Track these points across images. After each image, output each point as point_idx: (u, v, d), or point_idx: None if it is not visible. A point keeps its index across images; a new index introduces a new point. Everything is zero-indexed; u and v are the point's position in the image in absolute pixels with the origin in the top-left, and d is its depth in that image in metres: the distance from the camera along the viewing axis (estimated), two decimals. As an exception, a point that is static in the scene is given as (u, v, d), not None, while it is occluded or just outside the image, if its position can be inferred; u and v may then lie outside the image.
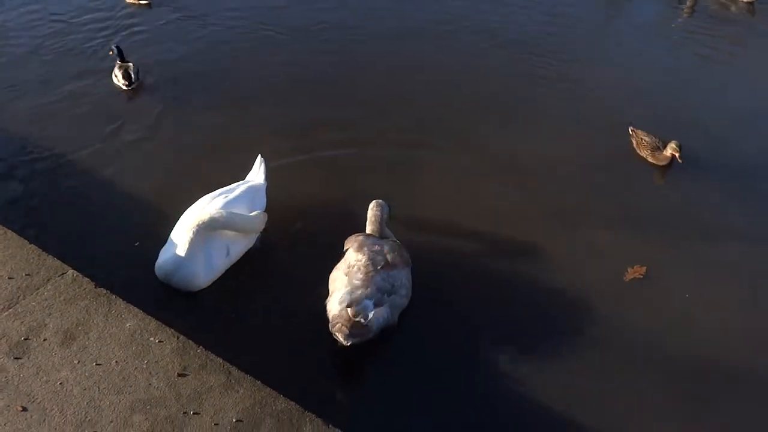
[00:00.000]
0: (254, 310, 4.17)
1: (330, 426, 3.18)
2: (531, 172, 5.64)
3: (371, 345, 3.94)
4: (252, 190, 4.58)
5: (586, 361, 4.07)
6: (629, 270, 4.73)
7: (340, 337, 3.68)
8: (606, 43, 8.12)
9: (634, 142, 5.96)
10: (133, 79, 6.50)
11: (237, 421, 3.15)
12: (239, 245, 4.35)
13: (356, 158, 5.72)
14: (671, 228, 5.18)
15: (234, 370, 3.38)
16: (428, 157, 5.76)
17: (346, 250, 4.20)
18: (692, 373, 4.04)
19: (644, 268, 4.74)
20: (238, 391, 3.29)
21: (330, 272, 4.16)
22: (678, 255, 4.93)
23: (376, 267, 3.90)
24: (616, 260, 4.80)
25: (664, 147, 5.69)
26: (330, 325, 3.76)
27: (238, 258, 4.39)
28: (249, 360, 3.56)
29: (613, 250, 4.90)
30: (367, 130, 6.07)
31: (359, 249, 4.04)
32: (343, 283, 3.86)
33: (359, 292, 3.75)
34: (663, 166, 5.78)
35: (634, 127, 6.01)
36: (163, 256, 4.18)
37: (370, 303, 3.72)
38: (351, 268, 3.92)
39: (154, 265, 4.21)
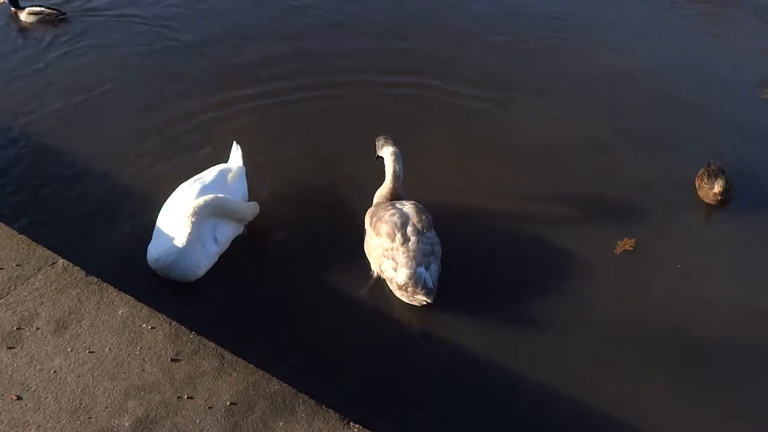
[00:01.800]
0: (245, 294, 4.19)
1: (323, 407, 3.21)
2: (523, 150, 5.66)
3: (363, 324, 4.02)
4: (225, 172, 4.54)
5: (581, 333, 4.13)
6: (619, 243, 4.77)
7: (420, 298, 3.99)
8: (608, 27, 8.07)
9: (699, 175, 5.20)
10: (61, 9, 6.56)
11: (231, 403, 3.18)
12: (226, 232, 4.33)
13: (342, 116, 5.83)
14: (657, 202, 5.21)
15: (227, 354, 3.41)
16: (428, 128, 5.81)
17: (373, 220, 4.32)
18: (685, 343, 4.10)
19: (633, 240, 4.78)
20: (231, 375, 3.32)
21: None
22: (665, 227, 4.97)
23: (413, 238, 4.12)
24: (606, 234, 4.85)
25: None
26: (399, 293, 4.08)
27: (228, 244, 4.39)
28: (241, 343, 3.60)
29: (601, 225, 4.94)
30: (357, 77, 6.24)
31: (389, 231, 4.14)
32: (390, 264, 4.09)
33: (412, 270, 4.01)
34: (709, 204, 5.08)
35: (713, 160, 5.24)
36: (159, 249, 4.06)
37: (422, 270, 4.03)
38: (390, 251, 4.11)
39: (143, 251, 4.19)
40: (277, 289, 4.24)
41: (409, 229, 4.14)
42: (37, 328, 3.50)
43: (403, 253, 4.05)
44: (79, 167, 5.15)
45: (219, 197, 4.14)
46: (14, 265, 3.84)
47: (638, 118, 6.16)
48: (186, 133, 5.55)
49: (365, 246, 4.40)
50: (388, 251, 4.11)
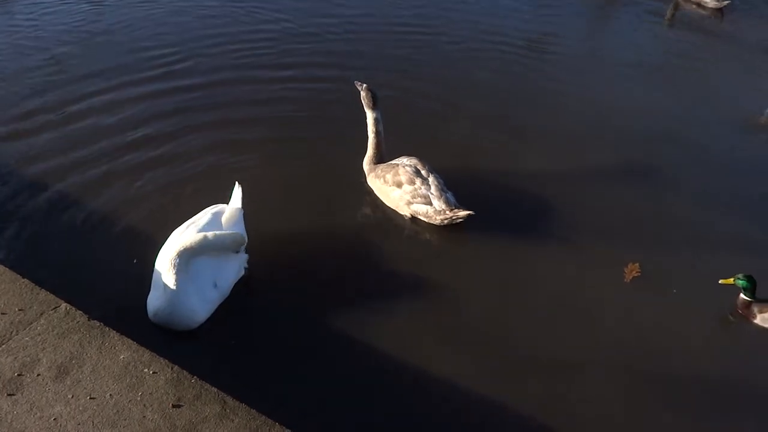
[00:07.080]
0: (247, 337, 4.13)
1: (327, 452, 3.15)
2: (524, 177, 5.66)
3: (368, 367, 3.95)
4: (219, 215, 4.42)
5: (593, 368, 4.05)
6: (626, 270, 4.72)
7: (462, 213, 4.80)
8: (597, 57, 8.16)
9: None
10: None
11: (233, 451, 3.12)
12: (229, 278, 4.26)
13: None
14: (649, 227, 5.25)
15: (229, 399, 3.35)
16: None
17: (387, 178, 5.10)
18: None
19: (638, 264, 4.73)
20: (233, 421, 3.26)
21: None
22: (662, 250, 4.97)
23: (431, 177, 5.05)
24: (609, 263, 4.82)
25: None
26: (440, 219, 4.90)
27: (230, 289, 4.31)
28: (244, 388, 3.53)
29: (601, 254, 4.92)
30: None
31: (409, 177, 5.00)
32: (421, 201, 4.95)
33: (443, 197, 4.92)
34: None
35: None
36: (155, 303, 4.01)
37: (449, 195, 5.00)
38: (417, 190, 4.95)
39: (145, 292, 4.13)
40: (279, 331, 4.18)
41: (423, 172, 5.07)
42: (38, 374, 3.46)
43: (431, 186, 4.95)
44: (83, 212, 5.06)
45: (201, 237, 3.99)
46: (17, 309, 3.81)
47: (640, 149, 6.29)
48: (185, 169, 5.55)
49: (387, 201, 5.20)
50: (414, 191, 4.94)
